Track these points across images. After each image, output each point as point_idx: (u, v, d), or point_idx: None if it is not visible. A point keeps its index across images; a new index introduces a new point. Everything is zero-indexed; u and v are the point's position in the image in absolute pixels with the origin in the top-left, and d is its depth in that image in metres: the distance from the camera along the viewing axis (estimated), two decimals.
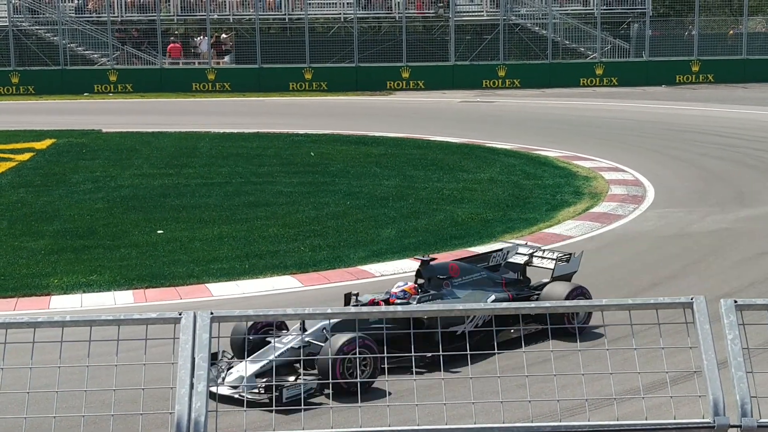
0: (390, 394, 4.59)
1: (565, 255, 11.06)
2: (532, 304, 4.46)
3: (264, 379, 7.44)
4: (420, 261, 10.25)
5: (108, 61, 41.72)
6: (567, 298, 8.99)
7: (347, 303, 9.23)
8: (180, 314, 4.32)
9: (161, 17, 42.62)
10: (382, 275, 12.78)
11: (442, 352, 4.65)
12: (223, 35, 43.96)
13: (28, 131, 27.86)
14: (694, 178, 19.50)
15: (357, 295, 9.36)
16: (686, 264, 13.22)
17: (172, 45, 42.87)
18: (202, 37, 43.75)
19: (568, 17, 42.98)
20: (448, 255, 13.68)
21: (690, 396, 4.40)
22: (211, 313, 4.33)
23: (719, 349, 4.19)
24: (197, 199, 17.83)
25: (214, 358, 7.53)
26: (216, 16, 43.17)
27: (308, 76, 40.77)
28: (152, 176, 20.41)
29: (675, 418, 4.22)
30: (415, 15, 43.99)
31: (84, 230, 15.50)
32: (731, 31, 43.64)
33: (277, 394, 7.04)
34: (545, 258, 11.09)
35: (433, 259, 10.46)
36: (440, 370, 4.56)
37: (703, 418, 4.12)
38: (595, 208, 16.80)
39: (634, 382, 5.07)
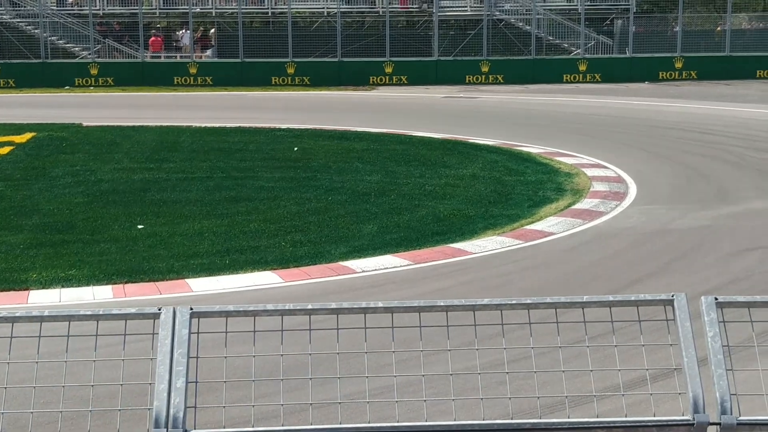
0: (369, 390, 4.58)
1: None
2: (513, 300, 4.45)
3: None
4: None
5: (89, 54, 41.59)
6: None
7: None
8: (159, 310, 4.30)
9: (143, 10, 42.49)
10: (363, 271, 12.77)
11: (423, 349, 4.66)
12: (211, 30, 43.86)
13: (7, 124, 27.74)
14: (676, 175, 19.56)
15: None
16: (667, 261, 13.25)
17: (153, 38, 42.77)
18: (184, 30, 43.65)
19: (552, 13, 43.07)
20: (431, 251, 13.70)
21: (670, 393, 4.40)
22: (191, 309, 4.31)
23: (700, 346, 4.20)
24: (178, 194, 17.77)
25: None
26: (198, 10, 43.08)
27: (291, 70, 40.74)
28: (133, 170, 20.35)
29: (655, 416, 4.22)
30: (399, 10, 44.03)
31: (63, 224, 15.42)
32: (719, 28, 43.79)
33: None
34: None
35: None
36: (420, 367, 4.56)
37: (683, 415, 4.12)
38: (577, 205, 16.83)
39: (614, 380, 5.07)
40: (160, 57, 43.04)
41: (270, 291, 11.98)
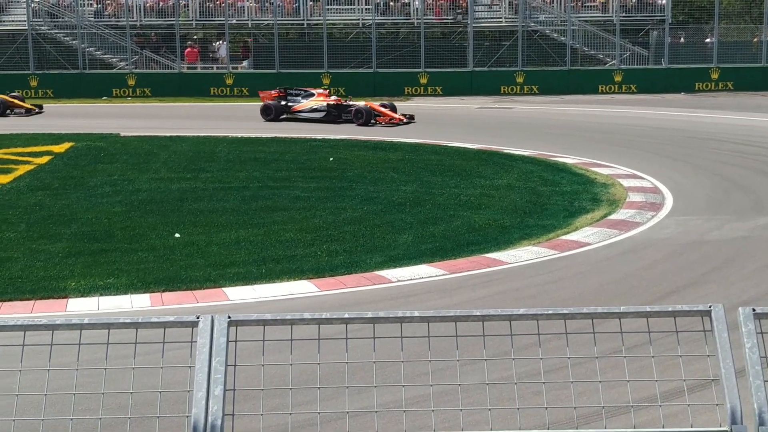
0: (405, 399, 4.59)
1: None
2: (550, 310, 4.45)
3: None
4: None
5: (126, 65, 41.92)
6: None
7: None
8: (198, 318, 4.33)
9: (180, 22, 42.78)
10: (398, 281, 12.78)
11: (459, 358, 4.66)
12: (248, 39, 44.11)
13: (46, 134, 28.01)
14: (713, 186, 19.44)
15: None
16: (704, 272, 13.17)
17: (189, 50, 43.04)
18: (221, 42, 43.90)
19: (587, 24, 42.95)
20: (466, 261, 13.70)
21: (707, 404, 4.38)
22: (229, 317, 4.34)
23: (737, 357, 4.18)
24: (214, 204, 17.87)
25: None
26: (235, 21, 43.32)
27: (326, 81, 40.85)
28: (170, 180, 20.48)
29: (692, 426, 4.21)
30: (434, 21, 44.05)
31: (101, 233, 15.55)
32: (756, 39, 43.48)
33: None
34: None
35: None
36: (456, 377, 4.56)
37: (720, 426, 4.11)
38: (613, 215, 16.76)
39: (651, 390, 5.05)
40: (196, 68, 43.33)
41: (306, 300, 12.02)
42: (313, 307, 11.63)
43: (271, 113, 31.76)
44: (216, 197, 18.50)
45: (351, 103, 31.28)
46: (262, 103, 32.67)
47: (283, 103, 32.02)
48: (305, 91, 32.50)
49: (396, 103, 32.72)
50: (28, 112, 33.82)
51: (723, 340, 4.20)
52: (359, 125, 29.80)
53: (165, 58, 42.71)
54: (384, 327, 4.40)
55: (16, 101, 34.05)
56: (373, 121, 30.21)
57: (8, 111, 33.36)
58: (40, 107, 34.99)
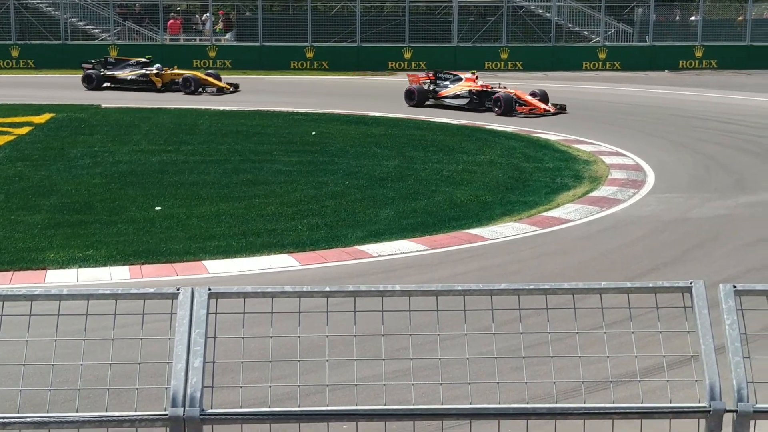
0: (385, 373, 4.59)
1: None
2: (531, 285, 4.44)
3: None
4: None
5: (109, 36, 41.63)
6: None
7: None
8: (178, 290, 4.31)
9: None
10: (379, 255, 12.78)
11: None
12: (220, 12, 43.80)
13: (27, 105, 27.83)
14: (695, 164, 19.48)
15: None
16: (685, 249, 13.21)
17: (171, 21, 42.75)
18: (207, 14, 43.65)
19: (572, 0, 42.86)
20: (447, 237, 13.70)
21: (687, 380, 4.39)
22: (209, 289, 4.32)
23: (717, 334, 4.19)
24: (195, 176, 17.81)
25: None
26: None
27: (310, 54, 40.69)
28: (151, 152, 20.40)
29: (671, 402, 4.22)
30: None
31: (81, 205, 15.48)
32: (740, 17, 43.49)
33: None
34: None
35: None
36: (437, 351, 4.56)
37: (699, 402, 4.12)
38: (594, 192, 16.78)
39: (630, 366, 5.06)
40: (179, 40, 43.06)
41: (286, 274, 12.02)
42: (293, 281, 11.62)
43: (414, 98, 28.84)
44: (197, 170, 18.43)
45: (496, 90, 27.85)
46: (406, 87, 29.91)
47: (430, 87, 29.29)
48: (454, 75, 29.58)
49: (381, 78, 32.18)
50: (221, 91, 31.84)
51: (703, 316, 4.21)
52: (498, 114, 26.57)
53: (148, 30, 42.43)
54: (365, 301, 4.39)
55: (210, 79, 32.40)
56: (515, 111, 26.70)
57: (200, 89, 31.80)
58: (236, 86, 32.75)
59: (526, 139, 22.65)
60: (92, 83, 32.74)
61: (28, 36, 41.68)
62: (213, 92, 31.63)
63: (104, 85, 32.88)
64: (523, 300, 4.41)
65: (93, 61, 33.85)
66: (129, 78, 32.77)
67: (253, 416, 4.17)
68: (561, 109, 27.11)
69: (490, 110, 27.13)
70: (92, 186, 16.89)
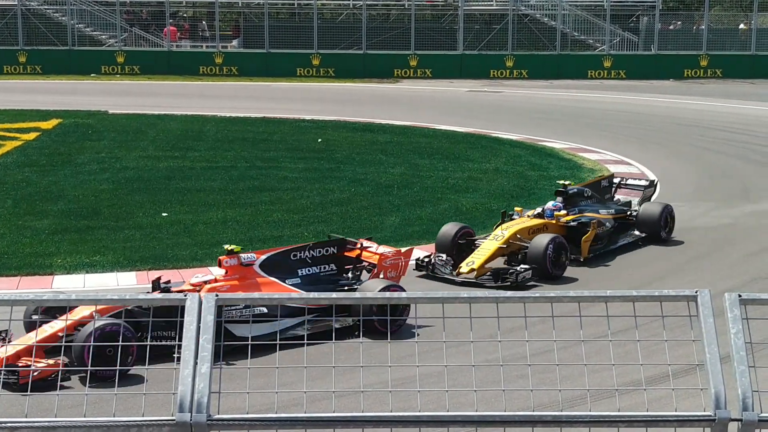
0: (391, 380, 4.60)
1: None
2: (537, 293, 4.45)
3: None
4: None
5: (116, 42, 41.70)
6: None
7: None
8: (185, 296, 4.33)
9: (170, 0, 42.57)
10: None
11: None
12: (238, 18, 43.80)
13: (34, 111, 27.88)
14: (699, 173, 19.48)
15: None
16: (690, 258, 13.21)
17: (172, 27, 42.77)
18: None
19: (578, 8, 42.87)
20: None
21: (692, 389, 4.41)
22: (217, 296, 4.34)
23: (722, 343, 4.19)
24: (202, 183, 17.84)
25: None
26: (225, 0, 43.12)
27: (316, 62, 40.72)
28: (158, 158, 20.43)
29: (676, 411, 4.23)
30: (425, 3, 43.93)
31: (88, 211, 15.52)
32: (745, 26, 43.45)
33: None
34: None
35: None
36: (443, 359, 4.57)
37: (705, 411, 4.13)
38: None
39: (636, 375, 5.08)
40: (186, 46, 43.13)
41: None
42: None
43: None
44: (204, 176, 18.46)
45: None
46: None
47: None
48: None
49: (387, 85, 32.12)
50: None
51: (708, 325, 4.21)
52: None
53: (154, 36, 42.49)
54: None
55: None
56: None
57: None
58: None
59: (531, 147, 22.65)
60: None
61: (35, 42, 41.75)
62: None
63: None
64: (528, 308, 4.42)
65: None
66: None
67: (259, 422, 4.18)
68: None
69: None
70: (99, 192, 16.93)
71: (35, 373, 7.06)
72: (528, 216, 13.42)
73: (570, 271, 12.24)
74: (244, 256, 9.70)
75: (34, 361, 7.57)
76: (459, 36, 41.79)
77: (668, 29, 42.94)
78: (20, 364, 7.46)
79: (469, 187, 17.63)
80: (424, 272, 12.25)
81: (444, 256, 12.42)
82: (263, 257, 9.99)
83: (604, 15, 42.13)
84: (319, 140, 23.10)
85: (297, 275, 10.15)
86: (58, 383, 6.84)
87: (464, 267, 12.04)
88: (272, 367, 4.53)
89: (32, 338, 7.64)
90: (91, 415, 4.22)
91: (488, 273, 12.06)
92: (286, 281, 9.78)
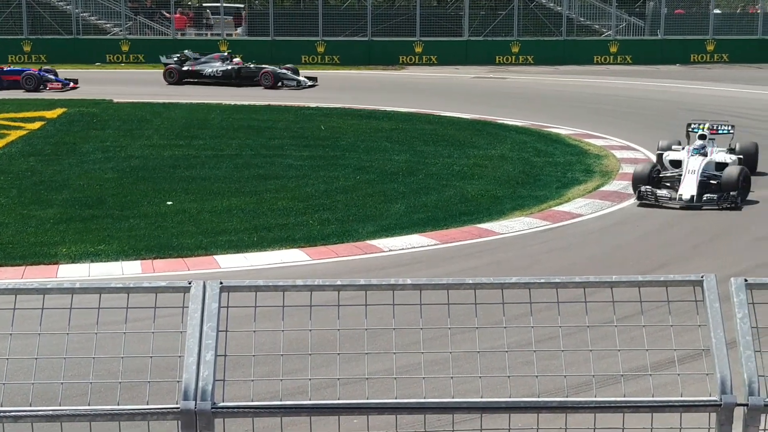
0: (396, 367, 4.59)
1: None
2: (542, 279, 4.43)
3: None
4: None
5: (120, 31, 41.70)
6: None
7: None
8: (189, 283, 4.31)
9: None
10: (390, 250, 12.78)
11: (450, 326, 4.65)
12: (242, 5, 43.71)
13: (39, 100, 27.91)
14: None
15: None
16: (697, 243, 13.19)
17: (177, 15, 42.75)
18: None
19: None
20: (458, 231, 13.69)
21: (698, 374, 4.39)
22: (221, 283, 4.32)
23: (728, 328, 4.17)
24: (207, 171, 17.84)
25: None
26: None
27: (321, 49, 40.70)
28: (162, 147, 20.43)
29: (682, 396, 4.22)
30: None
31: (93, 200, 15.52)
32: (752, 11, 43.32)
33: None
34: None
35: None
36: (448, 345, 4.56)
37: (710, 396, 4.11)
38: (605, 187, 16.76)
39: (641, 360, 5.06)
40: (191, 34, 43.11)
41: (297, 269, 12.02)
42: (304, 275, 11.62)
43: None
44: (208, 165, 18.46)
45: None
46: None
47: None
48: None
49: (392, 72, 32.35)
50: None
51: (714, 310, 4.20)
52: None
53: (159, 24, 42.48)
54: (376, 295, 4.39)
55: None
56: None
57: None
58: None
59: (536, 133, 22.62)
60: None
61: (40, 31, 41.77)
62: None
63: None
64: (534, 294, 4.40)
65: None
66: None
67: (264, 410, 4.18)
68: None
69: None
70: (104, 181, 16.93)
71: None
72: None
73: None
74: None
75: None
76: (464, 22, 41.74)
77: (674, 14, 42.80)
78: None
79: (475, 174, 17.60)
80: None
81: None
82: None
83: (610, 0, 42.02)
84: (323, 128, 23.07)
85: None
86: None
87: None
88: (277, 354, 4.51)
89: None
90: (95, 403, 4.22)
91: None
92: None
